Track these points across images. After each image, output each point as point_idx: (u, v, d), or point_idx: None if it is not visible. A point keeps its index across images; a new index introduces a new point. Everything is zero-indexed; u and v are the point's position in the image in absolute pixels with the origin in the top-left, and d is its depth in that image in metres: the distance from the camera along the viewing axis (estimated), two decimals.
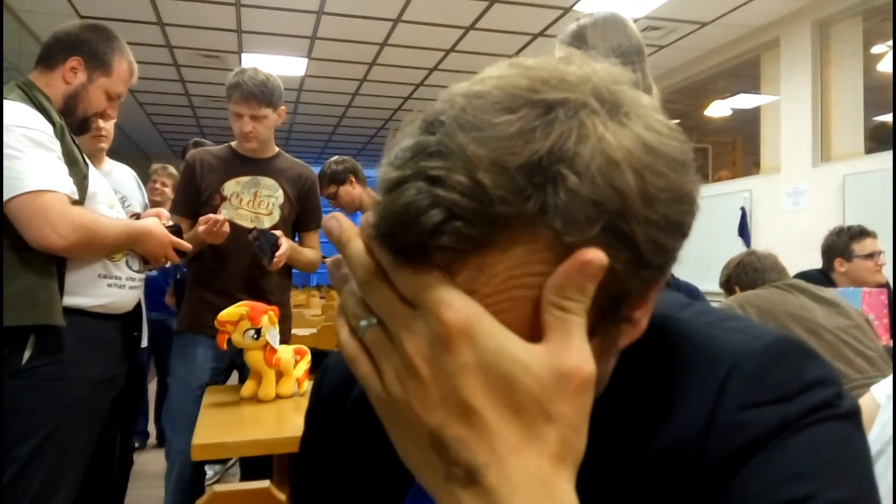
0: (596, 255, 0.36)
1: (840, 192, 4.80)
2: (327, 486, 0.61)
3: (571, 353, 0.36)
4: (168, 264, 2.01)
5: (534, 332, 0.37)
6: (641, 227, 0.38)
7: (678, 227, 0.41)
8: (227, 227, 2.13)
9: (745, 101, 6.38)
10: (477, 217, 0.36)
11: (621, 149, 0.38)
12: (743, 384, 0.45)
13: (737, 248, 5.43)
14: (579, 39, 1.62)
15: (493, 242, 0.37)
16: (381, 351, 0.38)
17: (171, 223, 1.89)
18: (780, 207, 5.34)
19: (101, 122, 2.32)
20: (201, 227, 2.11)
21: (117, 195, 2.40)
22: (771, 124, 5.73)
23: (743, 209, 5.67)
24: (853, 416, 0.45)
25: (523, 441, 0.35)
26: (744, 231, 5.63)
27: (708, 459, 0.43)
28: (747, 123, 6.23)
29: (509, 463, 0.35)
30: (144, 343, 2.39)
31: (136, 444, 3.79)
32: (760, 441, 0.43)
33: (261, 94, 2.23)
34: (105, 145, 2.40)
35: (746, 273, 2.38)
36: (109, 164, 2.48)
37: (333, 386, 0.64)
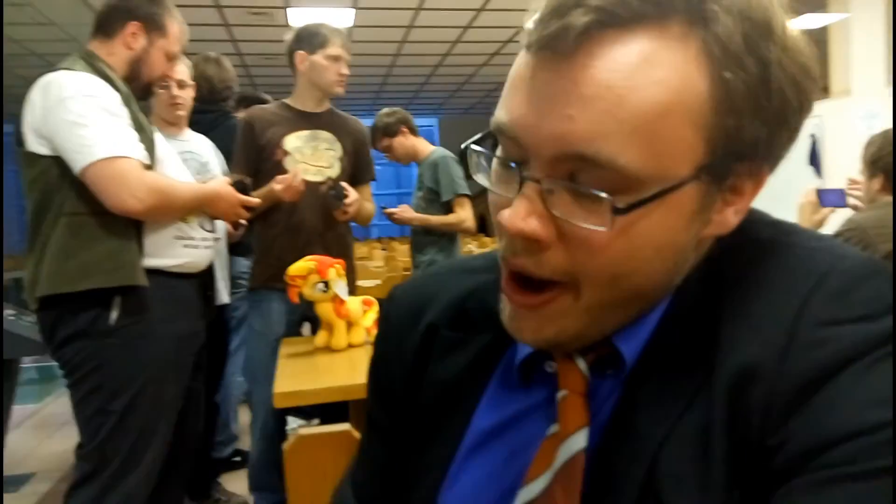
0: None
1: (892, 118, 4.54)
2: (396, 408, 0.64)
3: None
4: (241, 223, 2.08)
5: None
6: (778, 55, 0.44)
7: (796, 103, 0.46)
8: (302, 184, 2.20)
9: (812, 20, 6.02)
10: None
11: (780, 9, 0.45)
12: (826, 301, 0.44)
13: (807, 178, 5.23)
14: None
15: (644, 22, 0.42)
16: None
17: (235, 179, 1.93)
18: (854, 132, 5.08)
19: (176, 90, 2.37)
20: (278, 186, 2.17)
21: (201, 160, 2.47)
22: (840, 45, 5.41)
23: (813, 136, 5.43)
24: None
25: None
26: (815, 159, 5.40)
27: (787, 378, 0.42)
28: (815, 45, 5.88)
29: None
30: (226, 300, 2.49)
31: None
32: (843, 360, 0.42)
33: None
34: (183, 113, 2.46)
35: None
36: (189, 133, 2.56)
37: (400, 314, 0.66)
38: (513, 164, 0.47)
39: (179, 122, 2.47)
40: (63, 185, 1.59)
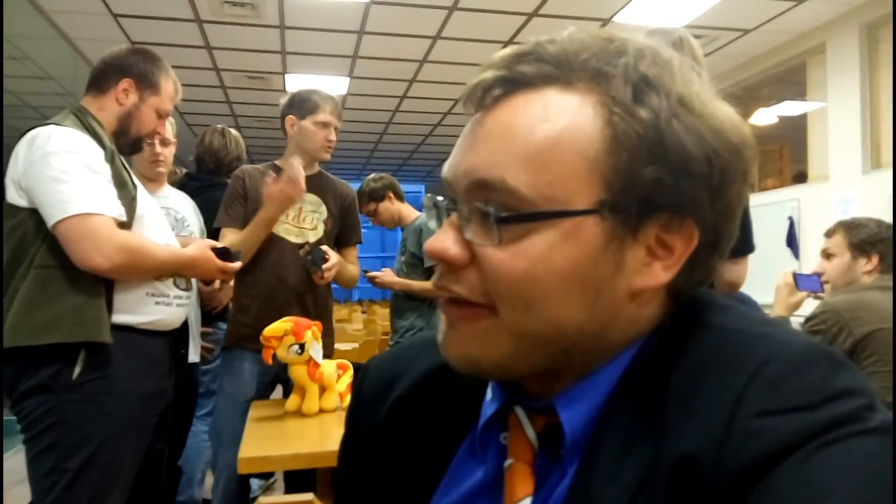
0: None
1: (892, 199, 4.65)
2: (362, 484, 0.63)
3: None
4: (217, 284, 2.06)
5: None
6: (673, 109, 0.47)
7: (697, 154, 0.47)
8: (302, 180, 2.19)
9: (791, 108, 6.24)
10: (553, 58, 0.49)
11: (682, 72, 0.50)
12: (763, 390, 0.43)
13: (785, 259, 5.30)
14: None
15: (551, 83, 0.49)
16: None
17: (219, 246, 1.91)
18: (830, 216, 5.19)
19: (158, 148, 2.38)
20: (274, 187, 2.16)
21: (178, 216, 2.47)
22: (818, 131, 5.60)
23: (791, 219, 5.53)
24: (884, 431, 0.42)
25: None
26: (792, 242, 5.49)
27: (725, 469, 0.41)
28: (794, 131, 6.09)
29: None
30: (196, 358, 2.45)
31: None
32: (779, 452, 0.41)
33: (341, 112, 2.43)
34: (164, 170, 2.47)
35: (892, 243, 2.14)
36: (168, 189, 2.56)
37: (373, 387, 0.65)
38: (448, 206, 0.53)
39: (159, 178, 2.47)
40: (37, 238, 1.59)
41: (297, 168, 2.18)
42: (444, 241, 0.50)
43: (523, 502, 0.50)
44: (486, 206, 0.48)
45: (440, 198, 0.55)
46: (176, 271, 1.79)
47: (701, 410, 0.44)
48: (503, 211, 0.47)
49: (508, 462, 0.52)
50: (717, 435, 0.42)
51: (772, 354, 0.45)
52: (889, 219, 4.81)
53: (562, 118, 0.48)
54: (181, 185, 2.89)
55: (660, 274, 0.50)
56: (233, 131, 3.02)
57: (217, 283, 2.34)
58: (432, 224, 0.56)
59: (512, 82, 0.50)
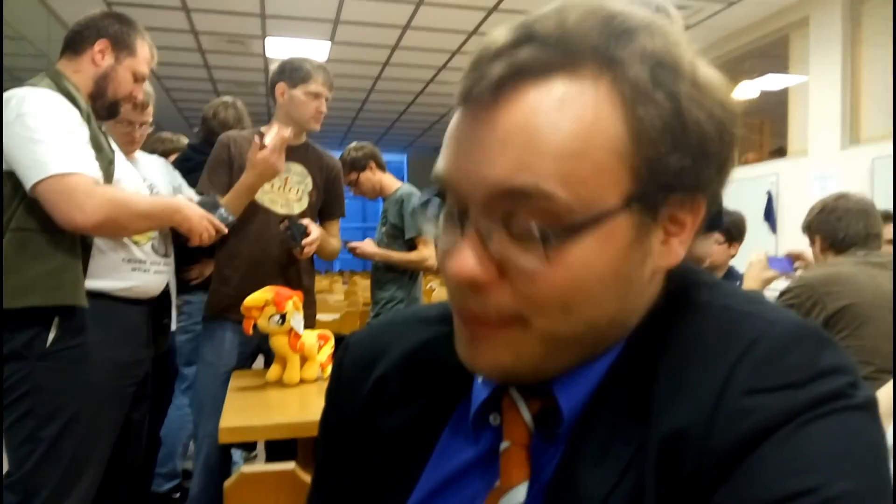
0: None
1: (869, 175, 4.72)
2: (344, 462, 0.63)
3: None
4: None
5: None
6: (688, 91, 0.45)
7: (713, 134, 0.46)
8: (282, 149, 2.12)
9: (772, 81, 6.26)
10: (555, 41, 0.45)
11: (688, 48, 0.47)
12: (752, 369, 0.43)
13: (762, 233, 5.37)
14: None
15: (557, 70, 0.45)
16: None
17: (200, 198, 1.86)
18: (808, 192, 5.26)
19: (137, 133, 2.31)
20: (260, 153, 2.08)
21: (145, 182, 2.42)
22: (799, 106, 5.63)
23: (769, 193, 5.59)
24: (868, 407, 0.43)
25: None
26: (770, 216, 5.56)
27: (713, 447, 0.42)
28: (774, 105, 6.12)
29: None
30: (173, 327, 2.42)
31: None
32: (767, 429, 0.41)
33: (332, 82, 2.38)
34: (135, 148, 2.42)
35: (829, 222, 2.20)
36: (139, 154, 2.50)
37: (353, 365, 0.65)
38: (454, 213, 0.48)
39: (130, 152, 2.43)
40: (13, 200, 1.56)
41: (279, 134, 2.12)
42: (466, 261, 0.46)
43: (520, 487, 0.50)
44: (523, 220, 0.45)
45: (435, 197, 0.51)
46: (163, 219, 1.76)
47: (690, 389, 0.45)
48: (539, 219, 0.44)
49: (505, 445, 0.52)
50: (706, 413, 0.43)
51: (760, 333, 0.45)
52: (867, 193, 4.88)
53: (585, 113, 0.44)
54: (185, 157, 2.82)
55: (678, 250, 0.50)
56: (238, 103, 2.95)
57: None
58: (430, 228, 0.52)
59: (514, 74, 0.45)
